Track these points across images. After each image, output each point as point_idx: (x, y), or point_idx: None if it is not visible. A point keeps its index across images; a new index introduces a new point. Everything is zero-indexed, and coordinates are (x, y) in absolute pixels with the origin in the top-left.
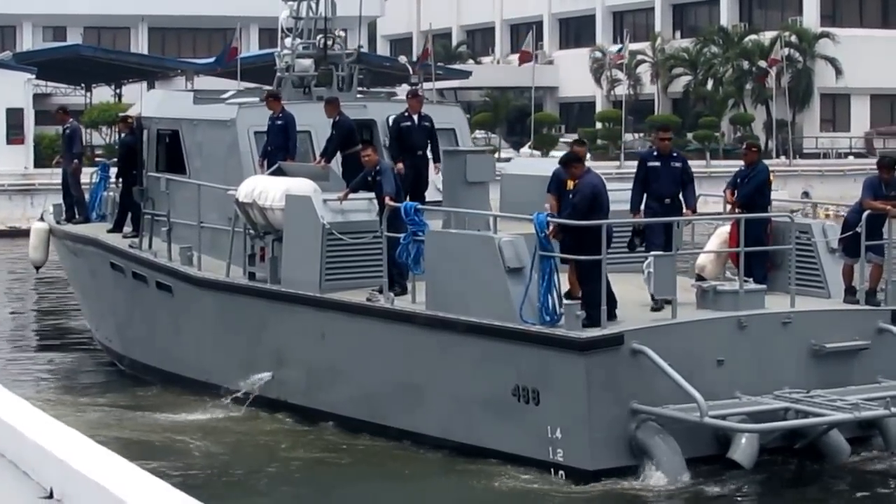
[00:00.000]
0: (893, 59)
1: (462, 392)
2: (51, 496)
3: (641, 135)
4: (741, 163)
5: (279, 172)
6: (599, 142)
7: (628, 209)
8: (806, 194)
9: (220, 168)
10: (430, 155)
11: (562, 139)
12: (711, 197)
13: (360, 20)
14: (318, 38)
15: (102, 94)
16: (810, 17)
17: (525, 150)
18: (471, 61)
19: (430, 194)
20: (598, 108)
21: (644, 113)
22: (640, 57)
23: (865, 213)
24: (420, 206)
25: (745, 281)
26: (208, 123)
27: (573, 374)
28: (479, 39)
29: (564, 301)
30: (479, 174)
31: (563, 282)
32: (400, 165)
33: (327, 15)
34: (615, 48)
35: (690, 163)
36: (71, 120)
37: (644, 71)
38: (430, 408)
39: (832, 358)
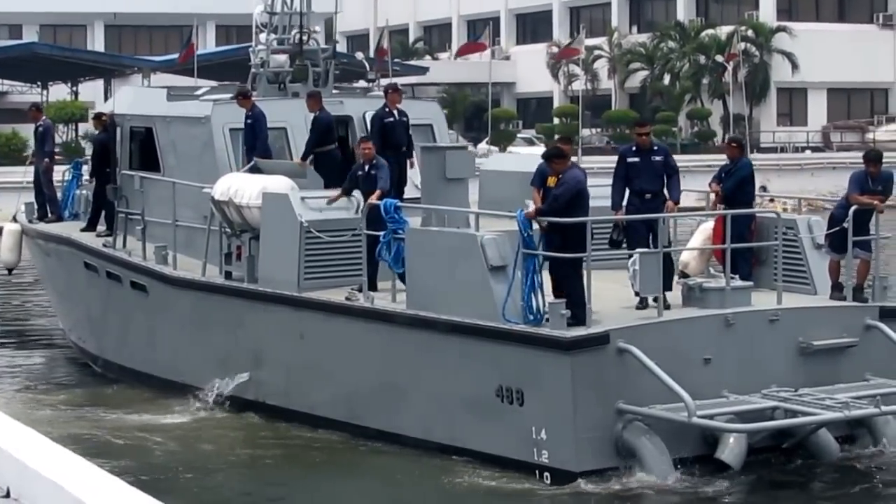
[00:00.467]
0: (850, 54)
1: (444, 392)
2: (7, 495)
3: (599, 130)
4: (699, 157)
5: (255, 170)
6: (557, 137)
7: (608, 206)
8: (763, 188)
9: (194, 165)
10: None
11: (519, 135)
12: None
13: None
14: (293, 33)
15: (59, 91)
16: (767, 11)
17: (482, 145)
18: (427, 57)
19: (408, 191)
20: (556, 104)
21: (601, 108)
22: (596, 52)
23: (852, 209)
24: (400, 204)
25: (731, 278)
26: (182, 120)
27: (558, 374)
28: (436, 35)
29: (549, 300)
30: (458, 171)
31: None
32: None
33: (303, 10)
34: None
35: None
36: (44, 118)
37: (601, 66)
38: (411, 408)
39: (820, 356)
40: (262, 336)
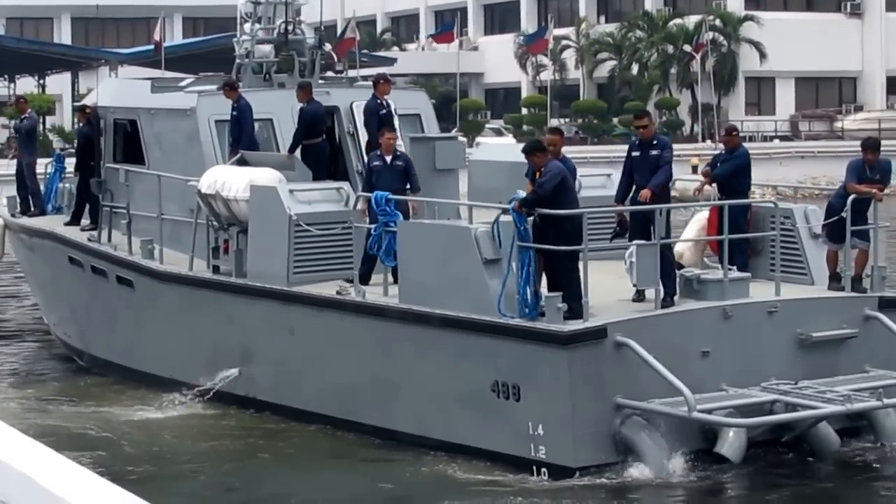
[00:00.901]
0: (817, 43)
1: (438, 388)
2: None
3: (567, 120)
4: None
5: (242, 162)
6: (525, 127)
7: (597, 195)
8: None
9: (180, 158)
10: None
11: (487, 125)
12: None
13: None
14: (278, 23)
15: (26, 85)
16: (734, 1)
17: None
18: (395, 48)
19: None
20: (524, 94)
21: (569, 98)
22: (564, 42)
23: (850, 198)
24: (392, 196)
25: (729, 269)
26: (167, 112)
27: (556, 368)
28: (404, 26)
29: (545, 293)
30: (448, 161)
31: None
32: None
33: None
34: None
35: (616, 148)
36: (29, 110)
37: (569, 56)
38: (406, 404)
39: (819, 347)
40: (252, 331)
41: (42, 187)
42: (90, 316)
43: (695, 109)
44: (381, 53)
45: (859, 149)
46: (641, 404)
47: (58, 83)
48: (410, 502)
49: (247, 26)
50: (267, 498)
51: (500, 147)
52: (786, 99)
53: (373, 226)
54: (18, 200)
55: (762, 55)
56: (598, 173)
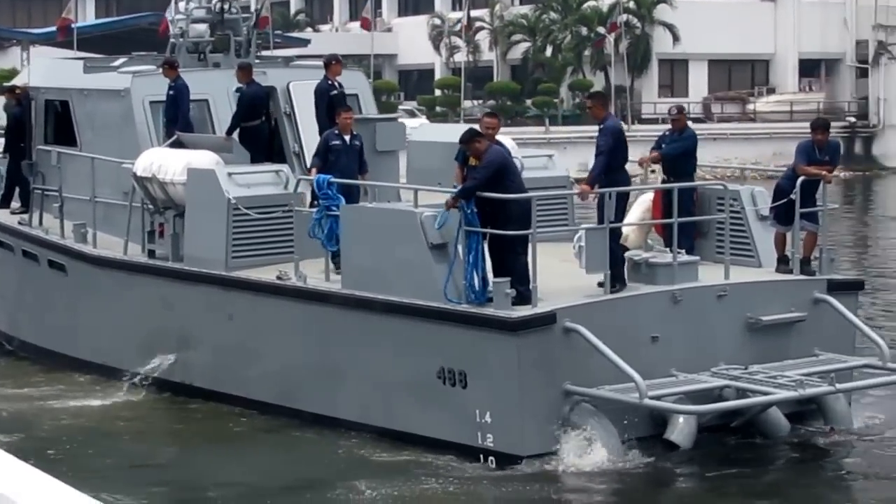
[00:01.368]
0: (730, 25)
1: (382, 375)
2: None
3: (481, 101)
4: (580, 128)
5: (178, 144)
6: (439, 109)
7: (539, 175)
8: None
9: (113, 140)
10: None
11: (401, 106)
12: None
13: None
14: (213, 1)
15: None
16: None
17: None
18: (309, 29)
19: None
20: (438, 76)
21: (483, 80)
22: (478, 24)
23: (800, 180)
24: (334, 180)
25: (678, 252)
26: (100, 93)
27: (504, 355)
28: (317, 7)
29: (493, 279)
30: (389, 143)
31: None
32: None
33: None
34: (456, 16)
35: (529, 129)
36: None
37: (483, 38)
38: (349, 391)
39: (768, 331)
40: (189, 316)
41: None
42: (20, 301)
43: (608, 91)
44: (295, 34)
45: (770, 131)
46: (591, 391)
47: None
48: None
49: (181, 5)
50: (189, 480)
51: (438, 128)
52: (698, 81)
53: (314, 209)
54: None
55: (675, 38)
56: (540, 154)
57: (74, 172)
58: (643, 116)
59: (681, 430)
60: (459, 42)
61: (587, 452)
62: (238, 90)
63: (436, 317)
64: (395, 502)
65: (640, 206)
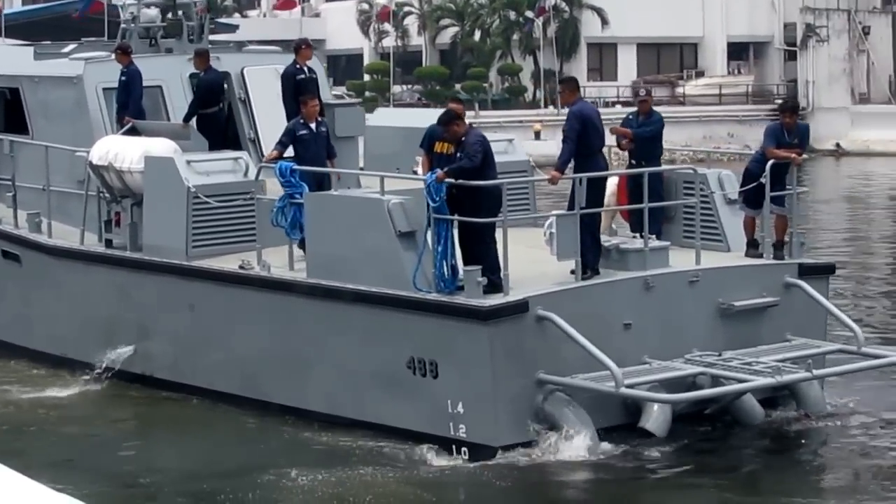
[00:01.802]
0: (659, 9)
1: (350, 365)
2: None
3: (410, 86)
4: (510, 113)
5: (133, 132)
6: (368, 94)
7: (500, 160)
8: None
9: (66, 128)
10: None
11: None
12: None
13: None
14: None
15: None
16: None
17: None
18: (237, 15)
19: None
20: (367, 61)
21: (412, 64)
22: (407, 8)
23: (769, 163)
24: (296, 167)
25: (649, 237)
26: (52, 80)
27: (476, 344)
28: None
29: (463, 267)
30: (348, 128)
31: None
32: None
33: None
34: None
35: (396, 111)
36: None
37: (411, 23)
38: (316, 382)
39: (741, 317)
40: (149, 307)
41: None
42: None
43: (537, 75)
44: (224, 20)
45: (700, 114)
46: (565, 380)
47: None
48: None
49: None
50: (126, 468)
51: (394, 113)
52: (627, 65)
53: (276, 197)
54: None
55: (604, 21)
56: (500, 139)
57: (27, 161)
58: None
59: (655, 419)
60: (388, 27)
61: (562, 442)
62: (192, 76)
63: (405, 306)
64: (334, 488)
65: (606, 191)
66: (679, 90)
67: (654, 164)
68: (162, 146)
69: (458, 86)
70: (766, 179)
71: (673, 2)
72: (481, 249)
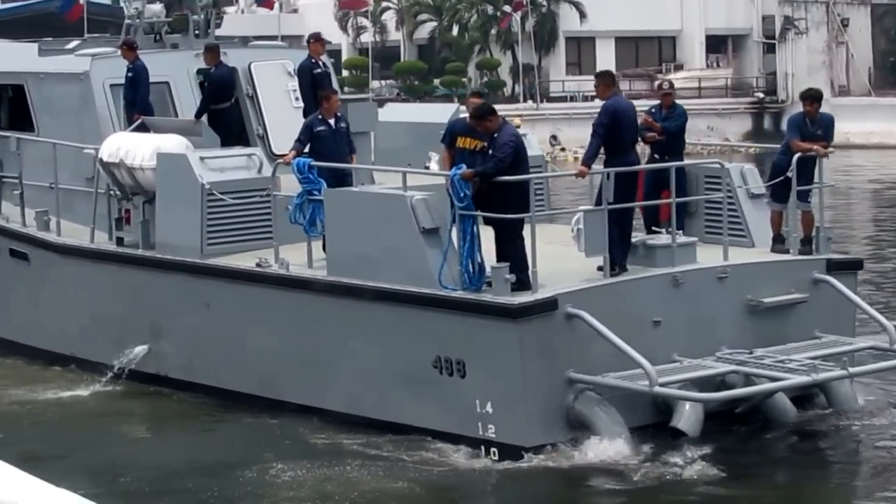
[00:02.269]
0: (637, 2)
1: (372, 364)
2: None
3: (389, 81)
4: None
5: (142, 129)
6: (347, 89)
7: None
8: (554, 138)
9: (73, 125)
10: None
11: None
12: None
13: None
14: None
15: None
16: None
17: None
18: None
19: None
20: (345, 56)
21: (391, 60)
22: (385, 3)
23: (796, 156)
24: (314, 163)
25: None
26: (58, 77)
27: (505, 342)
28: None
29: (491, 264)
30: (361, 123)
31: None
32: None
33: None
34: None
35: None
36: None
37: (389, 18)
38: (335, 382)
39: (770, 313)
40: (162, 305)
41: None
42: None
43: (516, 70)
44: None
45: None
46: (597, 379)
47: None
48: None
49: None
50: (109, 465)
51: (404, 107)
52: (606, 58)
53: (293, 193)
54: None
55: (582, 15)
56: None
57: (32, 158)
58: (551, 95)
59: (687, 418)
60: (366, 22)
61: (594, 443)
62: (199, 72)
63: (431, 304)
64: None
65: None
66: (658, 83)
67: (677, 158)
68: (173, 143)
69: (436, 81)
70: (792, 173)
71: None
72: (509, 247)
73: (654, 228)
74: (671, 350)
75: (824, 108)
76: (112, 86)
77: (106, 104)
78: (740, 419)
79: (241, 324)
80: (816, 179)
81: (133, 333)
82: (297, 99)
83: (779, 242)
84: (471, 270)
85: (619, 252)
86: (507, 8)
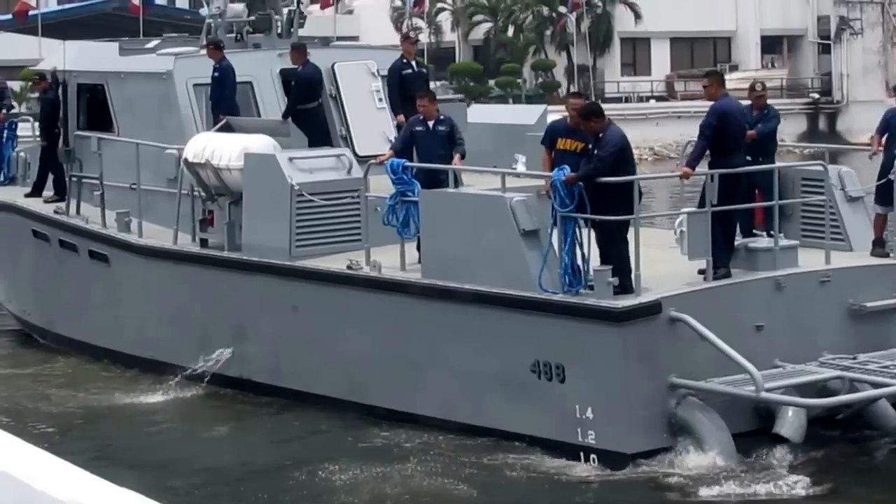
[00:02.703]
0: (692, 2)
1: (467, 368)
2: None
3: (444, 82)
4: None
5: (227, 128)
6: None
7: None
8: None
9: (154, 125)
10: None
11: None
12: None
13: None
14: None
15: None
16: None
17: None
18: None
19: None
20: None
21: (446, 61)
22: (440, 5)
23: None
24: (408, 164)
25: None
26: (140, 76)
27: (608, 347)
28: None
29: (594, 267)
30: None
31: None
32: (401, 118)
33: None
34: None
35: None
36: None
37: (445, 19)
38: (429, 386)
39: (871, 318)
40: (247, 308)
41: None
42: (56, 292)
43: (571, 71)
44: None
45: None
46: (701, 384)
47: None
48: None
49: None
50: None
51: (488, 109)
52: (661, 59)
53: (385, 195)
54: None
55: (637, 16)
56: None
57: (112, 159)
58: (606, 96)
59: (791, 424)
60: (421, 23)
61: (697, 450)
62: (283, 72)
63: (531, 307)
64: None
65: None
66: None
67: (770, 160)
68: (260, 143)
69: (491, 82)
70: (894, 175)
71: None
72: (613, 249)
73: (754, 231)
74: (773, 355)
75: (878, 111)
76: (195, 85)
77: (189, 104)
78: (839, 424)
79: (331, 327)
80: None
81: (216, 336)
82: (380, 100)
83: (879, 246)
84: (571, 273)
85: (723, 255)
86: (563, 9)
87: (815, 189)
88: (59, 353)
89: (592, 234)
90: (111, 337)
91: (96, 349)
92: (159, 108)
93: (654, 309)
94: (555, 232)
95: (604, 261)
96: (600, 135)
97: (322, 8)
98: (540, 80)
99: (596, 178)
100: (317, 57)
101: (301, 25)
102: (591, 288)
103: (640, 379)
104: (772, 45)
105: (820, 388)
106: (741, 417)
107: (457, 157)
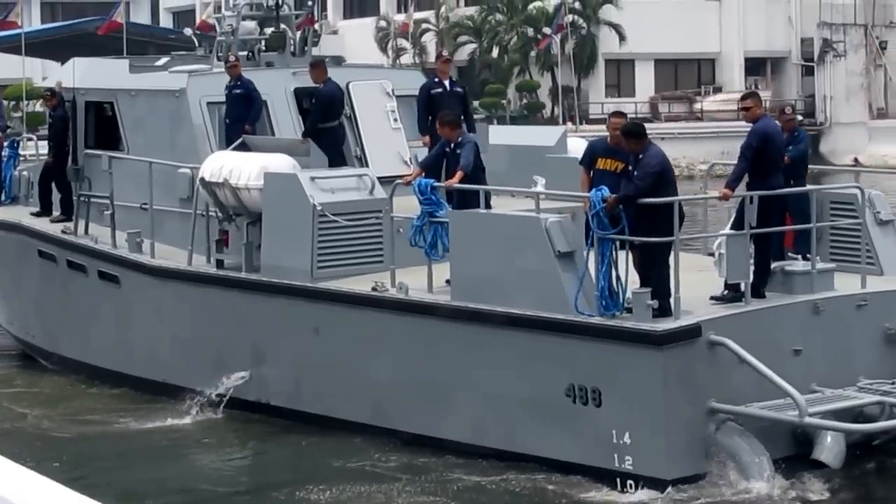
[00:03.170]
0: (676, 24)
1: (498, 392)
2: None
3: None
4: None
5: (242, 148)
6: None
7: None
8: None
9: (166, 143)
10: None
11: None
12: None
13: None
14: None
15: None
16: None
17: None
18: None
19: (399, 167)
20: None
21: None
22: (424, 25)
23: None
24: (436, 184)
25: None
26: (151, 94)
27: (647, 370)
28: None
29: (633, 289)
30: None
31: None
32: (427, 138)
33: None
34: (400, 17)
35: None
36: None
37: (429, 40)
38: (457, 411)
39: None
40: (266, 330)
41: None
42: (62, 313)
43: (555, 92)
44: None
45: (718, 130)
46: (742, 409)
47: None
48: None
49: (231, 0)
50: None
51: (509, 130)
52: (645, 81)
53: (409, 215)
54: None
55: (621, 37)
56: None
57: (123, 177)
58: (591, 117)
59: (830, 450)
60: (406, 44)
61: (737, 475)
62: (297, 91)
63: (566, 330)
64: None
65: None
66: (697, 106)
67: (801, 183)
68: (280, 162)
69: (476, 102)
70: None
71: (690, 17)
72: (654, 271)
73: (790, 255)
74: (810, 379)
75: (861, 133)
76: (209, 103)
77: (203, 122)
78: (876, 449)
79: (354, 350)
80: None
81: (232, 359)
82: (395, 120)
83: None
84: (609, 296)
85: (758, 278)
86: (547, 30)
87: (845, 212)
88: (62, 374)
89: (627, 255)
90: (120, 359)
91: (104, 372)
92: (171, 126)
93: (694, 332)
94: (591, 253)
95: (644, 283)
96: (640, 155)
97: (299, 28)
98: (524, 101)
99: (636, 200)
100: (333, 77)
101: (315, 44)
102: (629, 311)
103: (680, 403)
104: (756, 66)
105: (857, 414)
106: (780, 442)
107: (458, 175)
